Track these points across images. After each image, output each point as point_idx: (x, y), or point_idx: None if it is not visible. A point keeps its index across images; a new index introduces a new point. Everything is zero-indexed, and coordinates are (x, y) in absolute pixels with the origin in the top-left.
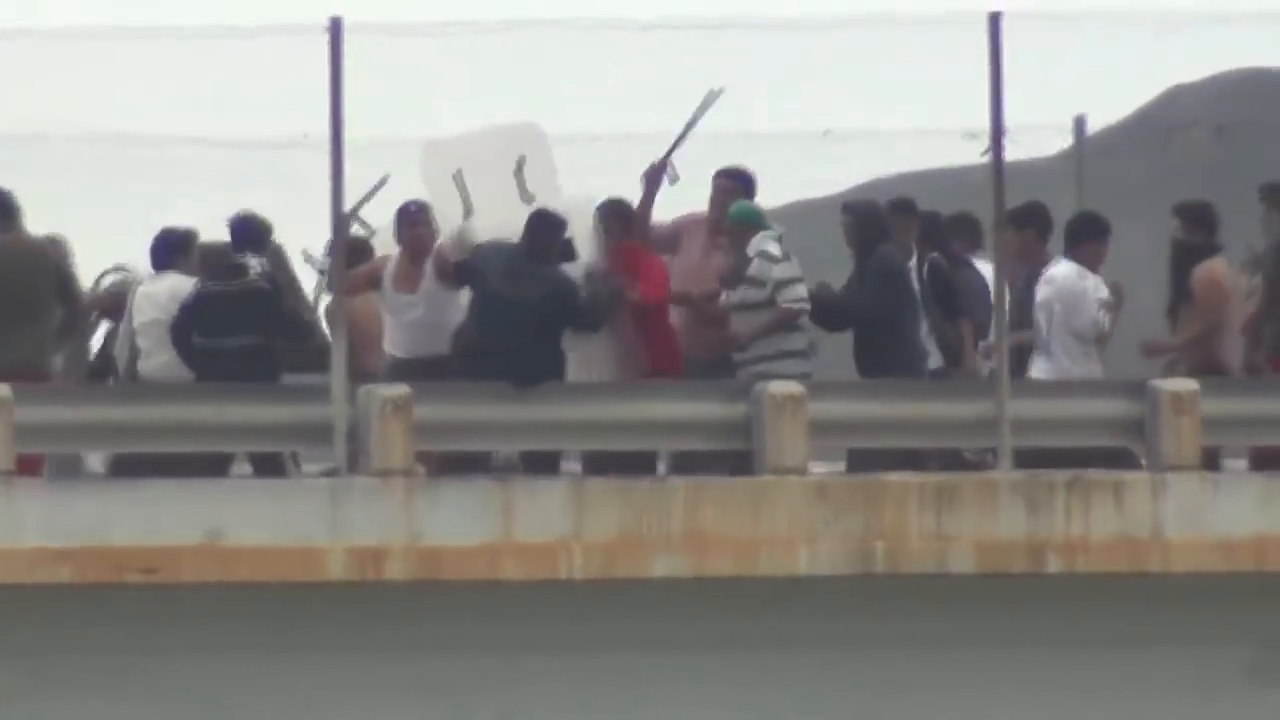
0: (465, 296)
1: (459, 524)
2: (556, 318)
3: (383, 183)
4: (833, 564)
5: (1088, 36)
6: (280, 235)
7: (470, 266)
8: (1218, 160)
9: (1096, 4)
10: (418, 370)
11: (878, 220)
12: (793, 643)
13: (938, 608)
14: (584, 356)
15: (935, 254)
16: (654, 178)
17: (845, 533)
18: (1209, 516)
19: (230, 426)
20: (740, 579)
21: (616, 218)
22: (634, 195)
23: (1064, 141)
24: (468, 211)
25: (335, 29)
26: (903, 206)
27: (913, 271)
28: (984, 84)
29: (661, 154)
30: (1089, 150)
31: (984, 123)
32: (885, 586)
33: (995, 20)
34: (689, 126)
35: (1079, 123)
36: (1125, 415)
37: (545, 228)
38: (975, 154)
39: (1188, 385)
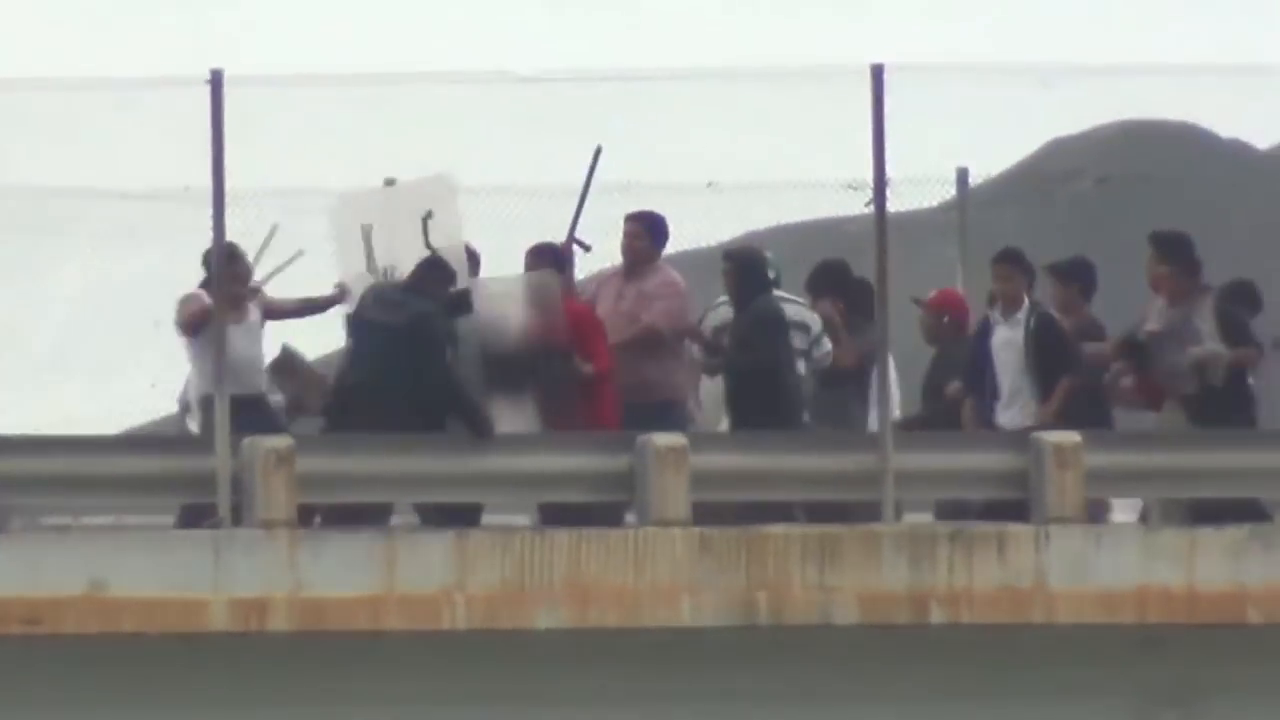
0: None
1: (342, 575)
2: (425, 342)
3: (273, 234)
4: (716, 615)
5: (969, 89)
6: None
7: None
8: (1100, 212)
9: (977, 57)
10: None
11: (758, 269)
12: (676, 694)
13: (821, 659)
14: (515, 405)
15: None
16: (566, 258)
17: (728, 584)
18: (1092, 568)
19: (116, 478)
20: (623, 630)
21: (547, 258)
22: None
23: (946, 193)
24: (370, 267)
25: (216, 82)
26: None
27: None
28: (867, 136)
29: (566, 233)
30: (971, 202)
31: (866, 174)
32: (768, 638)
33: (878, 73)
34: (583, 196)
35: (961, 174)
36: (1010, 468)
37: (428, 268)
38: (858, 205)
39: (1070, 438)
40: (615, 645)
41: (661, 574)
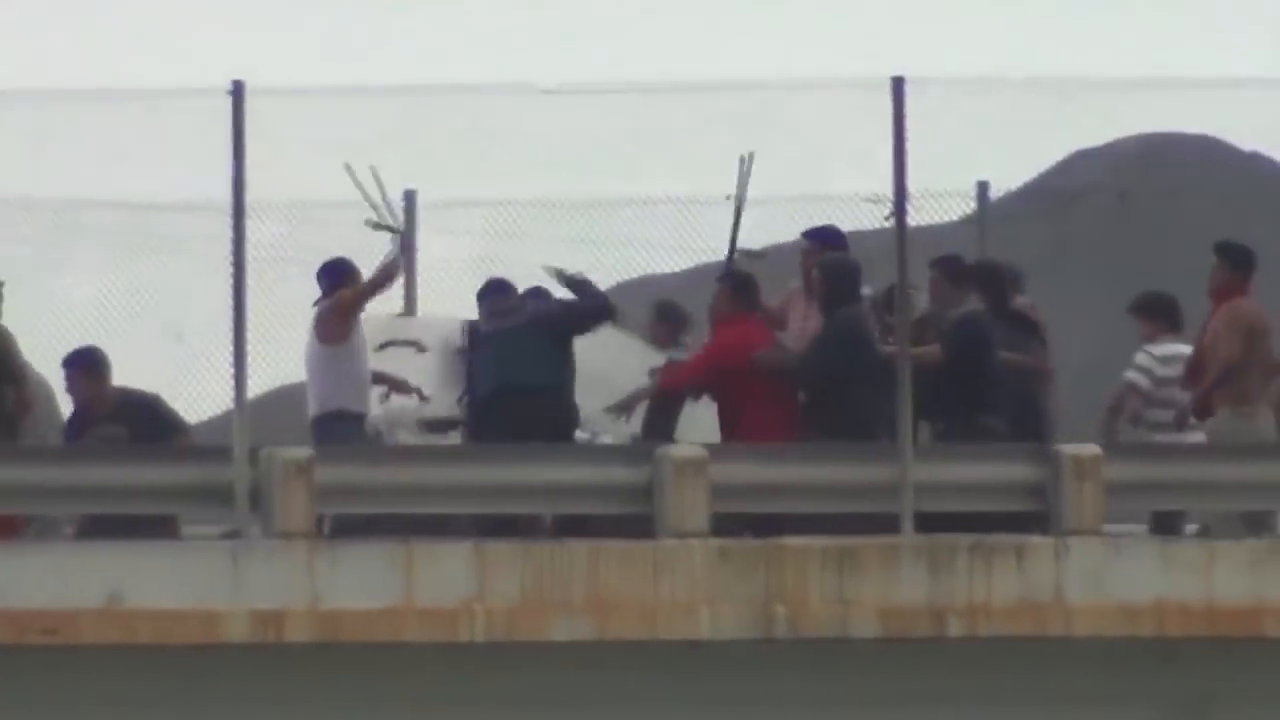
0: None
1: (360, 586)
2: (547, 332)
3: (399, 235)
4: (734, 628)
5: (989, 102)
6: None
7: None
8: (1121, 226)
9: (998, 70)
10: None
11: (847, 278)
12: (694, 706)
13: (839, 671)
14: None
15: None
16: (735, 271)
17: (747, 596)
18: (1110, 581)
19: (132, 488)
20: (641, 642)
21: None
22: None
23: (967, 207)
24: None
25: (238, 92)
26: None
27: None
28: (887, 149)
29: (725, 253)
30: (991, 215)
31: (887, 187)
32: (787, 650)
33: (898, 85)
34: (738, 210)
35: (982, 188)
36: (1028, 479)
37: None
38: (877, 219)
39: (1090, 450)
40: (633, 657)
41: (680, 586)
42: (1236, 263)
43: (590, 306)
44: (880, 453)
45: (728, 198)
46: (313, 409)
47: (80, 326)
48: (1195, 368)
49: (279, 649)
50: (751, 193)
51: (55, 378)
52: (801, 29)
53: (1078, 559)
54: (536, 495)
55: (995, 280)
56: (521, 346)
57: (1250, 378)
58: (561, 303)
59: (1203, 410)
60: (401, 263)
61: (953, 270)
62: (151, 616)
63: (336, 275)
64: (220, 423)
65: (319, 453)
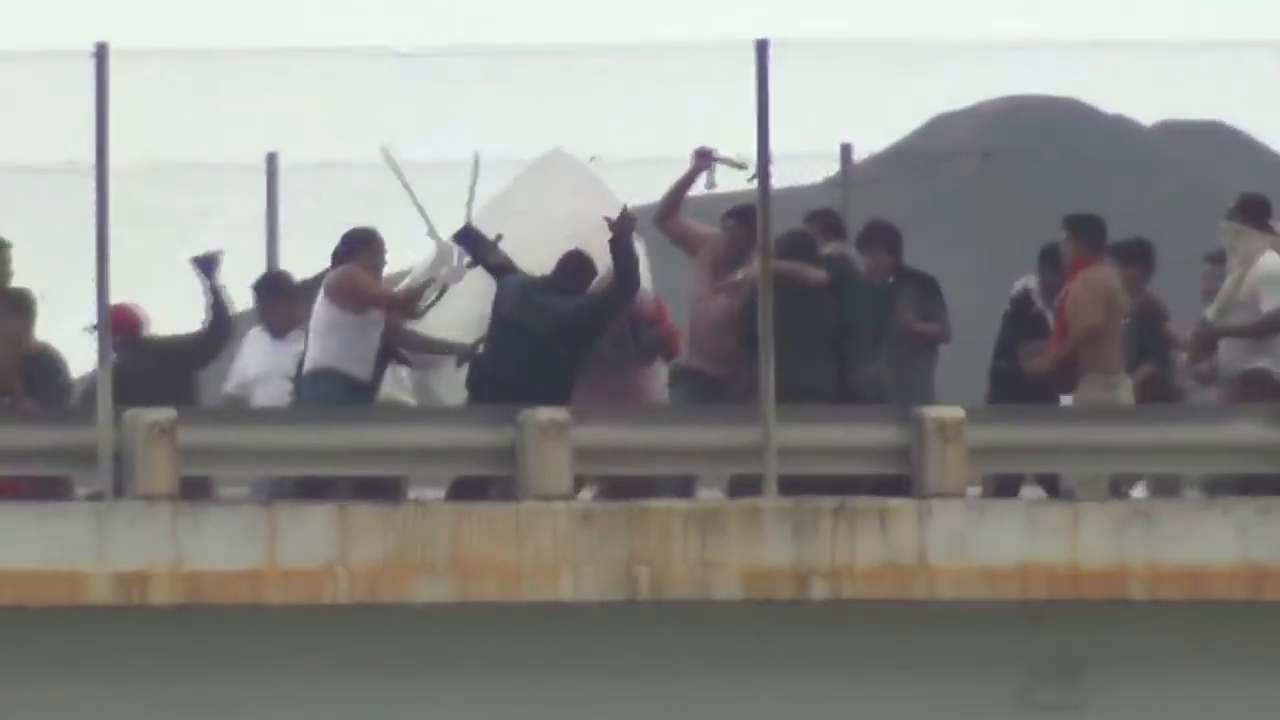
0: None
1: (224, 548)
2: (567, 344)
3: (478, 165)
4: (597, 590)
5: (853, 65)
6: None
7: (505, 269)
8: (984, 188)
9: (861, 33)
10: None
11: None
12: (557, 669)
13: (702, 634)
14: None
15: None
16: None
17: (610, 559)
18: (974, 543)
19: None
20: (505, 604)
21: None
22: None
23: (830, 169)
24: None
25: (101, 55)
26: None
27: None
28: (751, 111)
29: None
30: (854, 178)
31: (750, 150)
32: (650, 612)
33: (762, 48)
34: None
35: (845, 150)
36: (893, 442)
37: (572, 268)
38: (741, 181)
39: (954, 413)
40: (496, 619)
41: (543, 548)
42: (1084, 234)
43: (618, 295)
44: (743, 415)
45: (591, 160)
46: (306, 365)
47: None
48: (1056, 334)
49: (142, 611)
50: (618, 154)
51: None
52: None
53: (941, 522)
54: (400, 457)
55: (897, 240)
56: (536, 355)
57: (1112, 347)
58: (591, 304)
59: (1068, 381)
60: (450, 277)
61: (825, 225)
62: (14, 578)
63: (350, 244)
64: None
65: (181, 414)
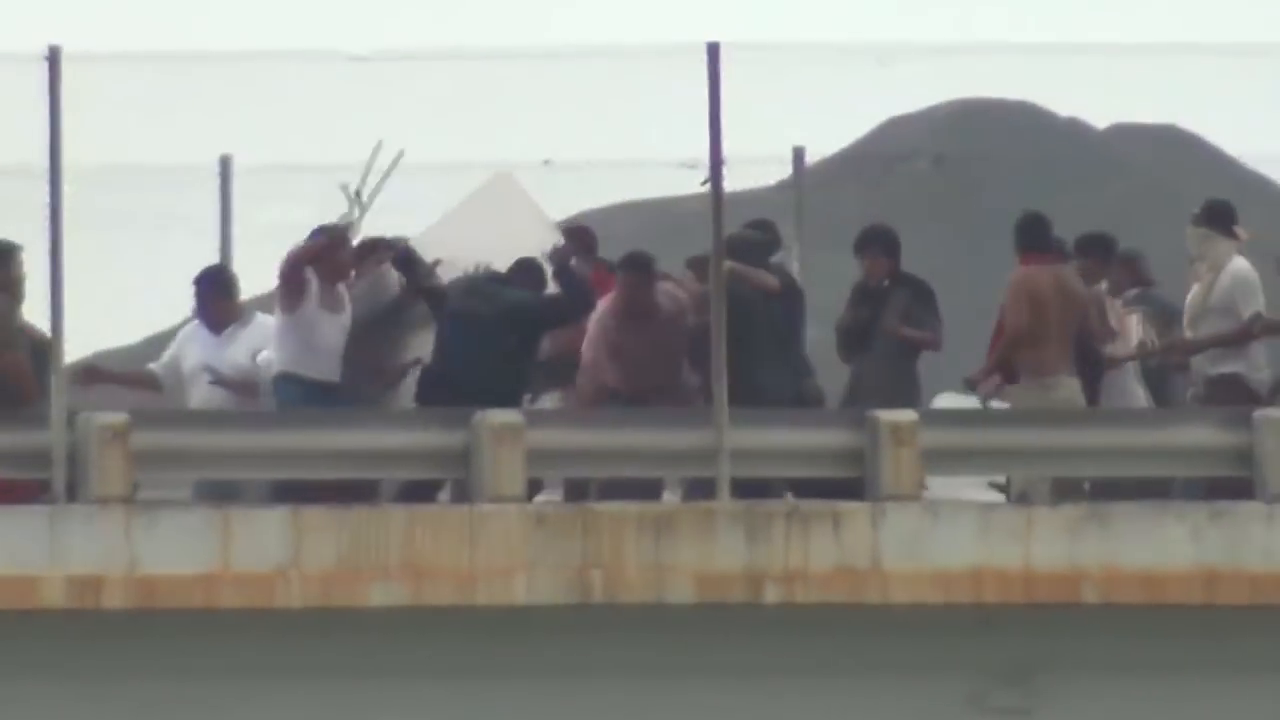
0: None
1: (177, 552)
2: (516, 332)
3: (378, 149)
4: (550, 593)
5: (805, 68)
6: None
7: (438, 293)
8: (937, 190)
9: (814, 36)
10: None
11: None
12: (511, 672)
13: (656, 637)
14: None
15: None
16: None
17: (563, 562)
18: (928, 547)
19: None
20: (458, 607)
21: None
22: None
23: (783, 172)
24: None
25: (54, 58)
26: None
27: None
28: (703, 114)
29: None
30: (808, 181)
31: (702, 153)
32: (603, 616)
33: (714, 51)
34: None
35: (798, 153)
36: (846, 445)
37: (523, 272)
38: (693, 184)
39: (907, 416)
40: (449, 622)
41: (496, 551)
42: (1019, 235)
43: (569, 307)
44: (697, 418)
45: (544, 163)
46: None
47: None
48: (994, 338)
49: (96, 615)
50: (568, 156)
51: None
52: None
53: (895, 525)
54: (353, 460)
55: (895, 244)
56: (486, 341)
57: (1047, 348)
58: (542, 299)
59: (1008, 382)
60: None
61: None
62: None
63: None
64: None
65: (134, 417)
